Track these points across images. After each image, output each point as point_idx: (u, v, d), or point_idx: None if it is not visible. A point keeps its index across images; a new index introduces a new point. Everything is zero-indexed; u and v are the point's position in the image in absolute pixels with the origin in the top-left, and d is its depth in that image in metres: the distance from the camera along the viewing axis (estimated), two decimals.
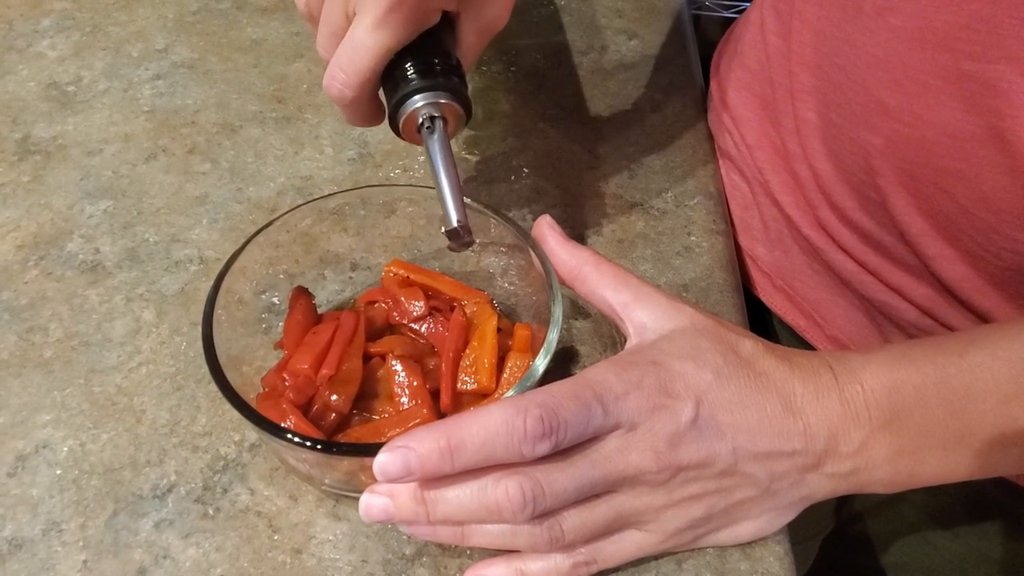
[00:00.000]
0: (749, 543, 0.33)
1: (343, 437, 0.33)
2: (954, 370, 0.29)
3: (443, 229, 0.33)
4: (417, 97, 0.33)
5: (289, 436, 0.29)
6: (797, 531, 0.35)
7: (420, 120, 0.34)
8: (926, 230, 0.36)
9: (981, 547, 0.48)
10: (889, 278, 0.40)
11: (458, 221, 0.33)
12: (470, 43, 0.35)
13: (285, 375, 0.34)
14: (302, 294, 0.37)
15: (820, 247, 0.43)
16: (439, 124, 0.34)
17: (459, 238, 0.33)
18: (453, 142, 0.47)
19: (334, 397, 0.33)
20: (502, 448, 0.27)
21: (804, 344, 0.47)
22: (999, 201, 0.32)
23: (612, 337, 0.40)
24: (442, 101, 0.34)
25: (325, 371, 0.34)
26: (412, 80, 0.33)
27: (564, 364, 0.39)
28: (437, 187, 0.33)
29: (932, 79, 0.32)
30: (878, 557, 0.55)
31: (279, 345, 0.36)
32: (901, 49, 0.33)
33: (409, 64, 0.33)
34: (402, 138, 0.35)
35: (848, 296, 0.44)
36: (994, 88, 0.30)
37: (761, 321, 0.50)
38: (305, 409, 0.33)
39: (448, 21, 0.35)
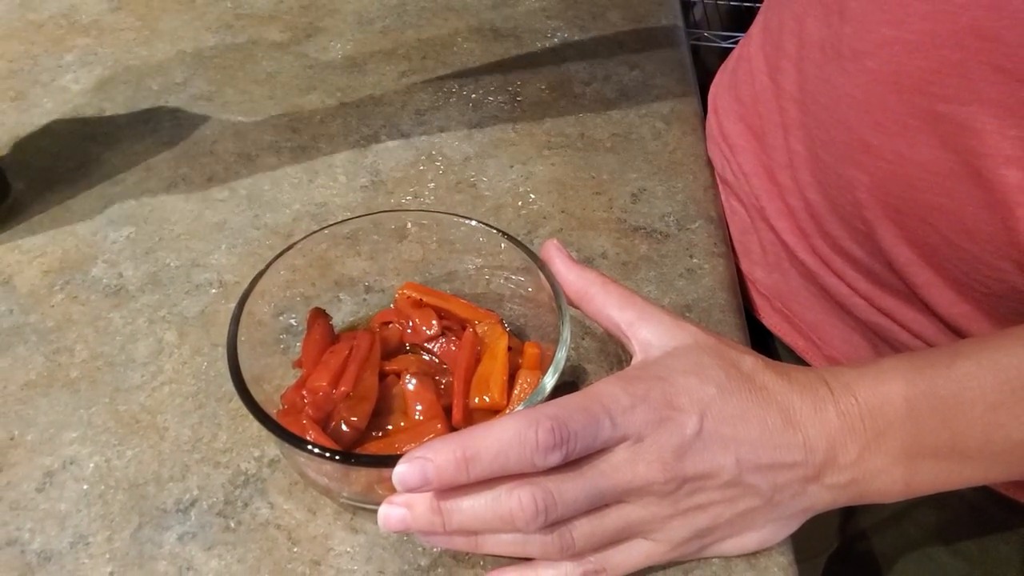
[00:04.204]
0: (754, 553, 0.34)
1: (360, 451, 0.34)
2: (942, 381, 0.30)
3: None
4: None
5: (311, 448, 0.30)
6: (802, 549, 0.36)
7: None
8: (913, 259, 0.37)
9: (985, 565, 0.48)
10: (880, 303, 0.41)
11: None
12: None
13: (304, 392, 0.35)
14: (320, 315, 0.39)
15: (815, 272, 0.44)
16: None
17: None
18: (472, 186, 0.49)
19: (351, 413, 0.34)
20: (515, 459, 0.28)
21: (803, 364, 0.48)
22: (980, 233, 0.34)
23: (618, 355, 0.41)
24: None
25: (342, 388, 0.35)
26: None
27: (572, 381, 0.40)
28: None
29: (909, 119, 0.34)
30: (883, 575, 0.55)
31: (297, 364, 0.38)
32: (878, 91, 0.35)
33: None
34: None
35: (844, 318, 0.45)
36: (968, 129, 0.32)
37: (763, 342, 0.51)
38: (323, 425, 0.34)
39: None
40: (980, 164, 0.32)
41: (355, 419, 0.34)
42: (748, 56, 0.48)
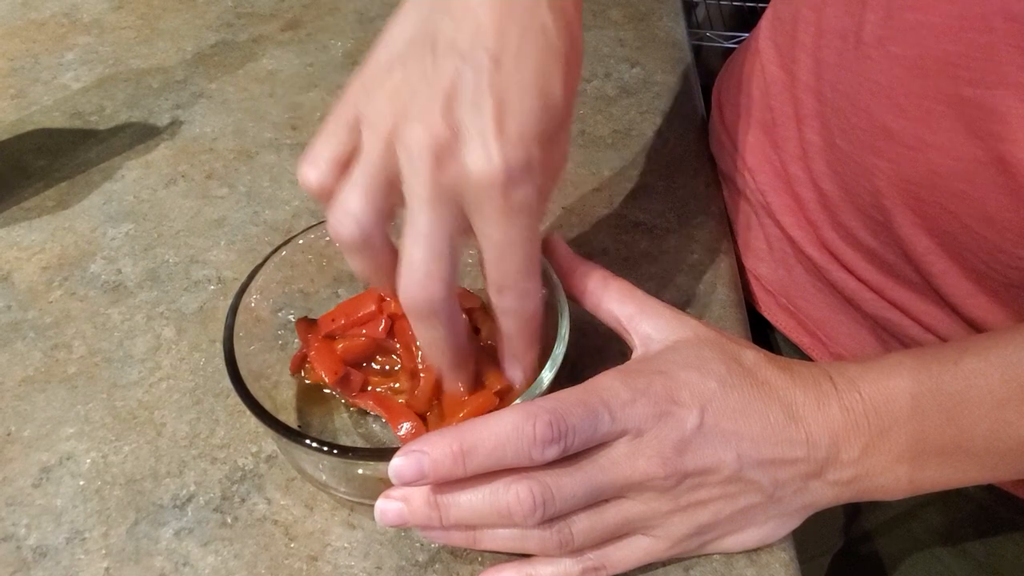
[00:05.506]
0: (755, 550, 0.33)
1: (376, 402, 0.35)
2: (949, 377, 0.30)
3: None
4: None
5: (307, 443, 0.30)
6: (806, 548, 0.36)
7: None
8: (931, 248, 0.37)
9: (993, 567, 0.48)
10: (892, 295, 0.41)
11: None
12: None
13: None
14: (308, 323, 0.38)
15: (822, 266, 0.44)
16: None
17: None
18: None
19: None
20: (512, 452, 0.28)
21: (808, 361, 0.48)
22: (1002, 220, 0.33)
23: (618, 350, 0.41)
24: None
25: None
26: None
27: (571, 376, 0.40)
28: None
29: (933, 104, 0.33)
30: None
31: (294, 369, 0.37)
32: (902, 76, 0.34)
33: None
34: None
35: (851, 313, 0.44)
36: (994, 113, 0.31)
37: (765, 339, 0.51)
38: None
39: None
40: (1004, 149, 0.31)
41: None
42: (757, 49, 0.47)
